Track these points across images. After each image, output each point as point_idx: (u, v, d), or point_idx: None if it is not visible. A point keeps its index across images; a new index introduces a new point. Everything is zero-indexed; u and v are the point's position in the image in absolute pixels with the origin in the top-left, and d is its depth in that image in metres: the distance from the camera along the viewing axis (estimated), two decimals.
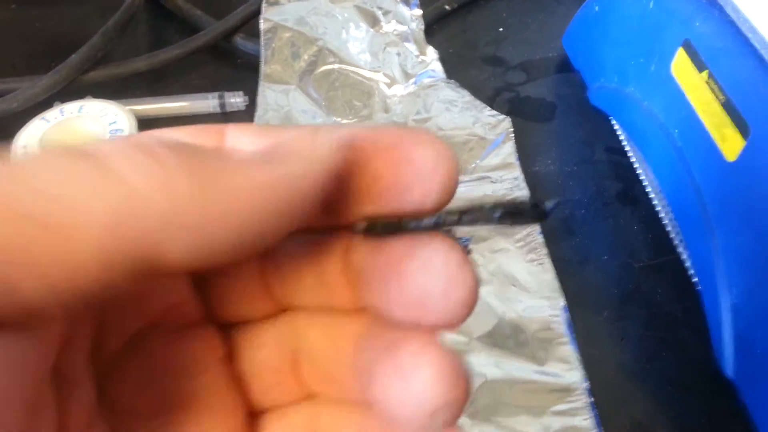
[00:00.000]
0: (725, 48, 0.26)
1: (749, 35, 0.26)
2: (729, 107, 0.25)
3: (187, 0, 0.47)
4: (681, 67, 0.29)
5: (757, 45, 0.25)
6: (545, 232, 0.33)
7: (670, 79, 0.29)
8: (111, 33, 0.40)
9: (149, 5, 0.48)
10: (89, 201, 0.09)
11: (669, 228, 0.31)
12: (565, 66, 0.42)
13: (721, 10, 0.27)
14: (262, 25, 0.41)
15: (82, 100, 0.38)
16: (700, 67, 0.27)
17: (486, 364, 0.28)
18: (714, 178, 0.27)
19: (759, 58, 0.25)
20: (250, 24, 0.43)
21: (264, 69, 0.40)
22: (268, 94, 0.39)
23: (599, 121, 0.38)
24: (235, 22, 0.43)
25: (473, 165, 0.36)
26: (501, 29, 0.46)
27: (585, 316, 0.30)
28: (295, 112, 0.39)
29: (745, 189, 0.25)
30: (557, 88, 0.41)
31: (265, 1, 0.42)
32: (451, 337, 0.29)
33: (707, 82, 0.27)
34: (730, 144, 0.25)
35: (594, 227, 0.34)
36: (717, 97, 0.26)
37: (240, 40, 0.43)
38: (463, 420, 0.26)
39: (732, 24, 0.26)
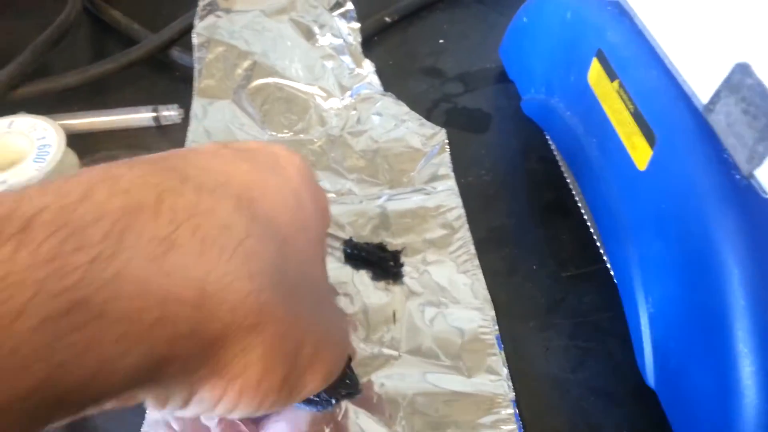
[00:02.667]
0: (634, 57, 0.27)
1: (655, 45, 0.26)
2: (638, 116, 0.26)
3: (125, 14, 0.46)
4: (596, 77, 0.29)
5: (662, 55, 0.25)
6: (477, 243, 0.33)
7: (587, 90, 0.30)
8: (41, 48, 0.40)
9: (89, 18, 0.48)
10: None
11: (595, 237, 0.32)
12: (502, 77, 0.42)
13: (630, 20, 0.28)
14: (195, 40, 0.41)
15: (13, 116, 0.38)
16: (612, 77, 0.28)
17: (415, 378, 0.28)
18: (628, 187, 0.27)
19: (664, 67, 0.25)
20: (188, 37, 0.43)
21: (198, 83, 0.39)
22: (202, 108, 0.39)
23: (533, 131, 0.38)
24: (170, 35, 0.42)
25: (409, 176, 0.36)
26: (441, 41, 0.46)
27: (513, 327, 0.30)
28: (230, 126, 0.38)
29: (655, 198, 0.25)
30: (494, 99, 0.42)
31: (198, 15, 0.41)
32: (381, 351, 0.29)
33: (618, 92, 0.27)
34: (640, 153, 0.26)
35: (525, 237, 0.34)
36: (627, 107, 0.26)
37: (176, 53, 0.43)
38: None
39: (640, 34, 0.27)
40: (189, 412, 0.17)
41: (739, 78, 0.20)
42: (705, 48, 0.22)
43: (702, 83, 0.22)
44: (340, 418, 0.26)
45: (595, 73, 0.29)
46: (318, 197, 0.21)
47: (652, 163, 0.25)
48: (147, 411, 0.26)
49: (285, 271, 0.16)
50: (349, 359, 0.27)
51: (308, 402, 0.25)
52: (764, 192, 0.20)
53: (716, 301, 0.22)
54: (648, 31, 0.26)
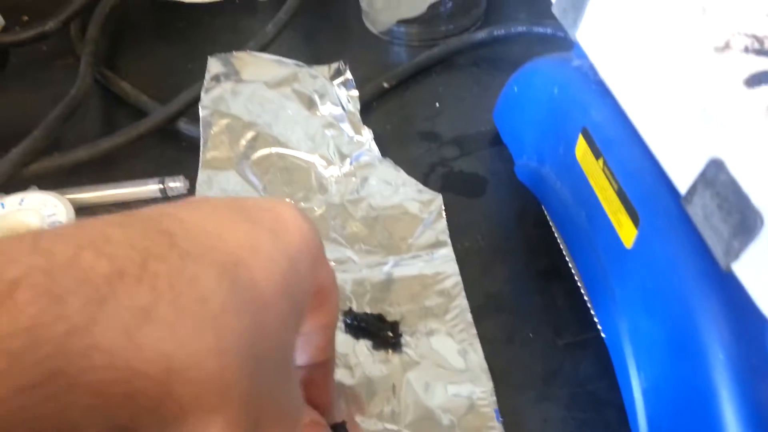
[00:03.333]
0: (617, 137, 0.28)
1: (637, 126, 0.27)
2: (622, 195, 0.27)
3: (133, 84, 0.48)
4: (582, 152, 0.30)
5: (643, 136, 0.26)
6: (474, 310, 0.33)
7: (575, 163, 0.31)
8: (53, 125, 0.41)
9: (100, 90, 0.50)
10: None
11: (590, 305, 0.32)
12: (497, 140, 0.43)
13: (614, 99, 0.29)
14: (201, 112, 0.42)
15: (23, 192, 0.39)
16: (597, 155, 0.29)
17: None
18: (617, 262, 0.28)
19: (647, 149, 0.26)
20: (195, 108, 0.44)
21: (203, 155, 0.41)
22: (207, 179, 0.40)
23: (528, 195, 0.39)
24: (177, 107, 0.44)
25: (407, 243, 0.37)
26: (437, 104, 0.48)
27: (511, 397, 0.30)
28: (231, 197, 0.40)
29: (642, 276, 0.26)
30: (489, 163, 0.43)
31: (204, 87, 0.43)
32: (381, 425, 0.29)
33: (603, 170, 0.28)
34: (626, 231, 0.27)
35: (521, 303, 0.34)
36: (612, 185, 0.27)
37: (183, 125, 0.45)
38: None
39: (623, 114, 0.28)
40: None
41: (714, 173, 0.21)
42: (681, 139, 0.23)
43: (680, 174, 0.23)
44: None
45: (581, 149, 0.30)
46: (320, 264, 0.21)
47: (638, 242, 0.26)
48: None
49: (256, 343, 0.16)
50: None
51: None
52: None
53: (704, 382, 0.23)
54: (628, 115, 0.27)
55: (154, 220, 0.17)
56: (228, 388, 0.16)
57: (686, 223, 0.24)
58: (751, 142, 0.20)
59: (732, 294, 0.23)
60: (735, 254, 0.20)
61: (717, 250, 0.21)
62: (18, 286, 0.13)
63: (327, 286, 0.22)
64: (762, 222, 0.19)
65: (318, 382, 0.24)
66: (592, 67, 0.31)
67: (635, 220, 0.26)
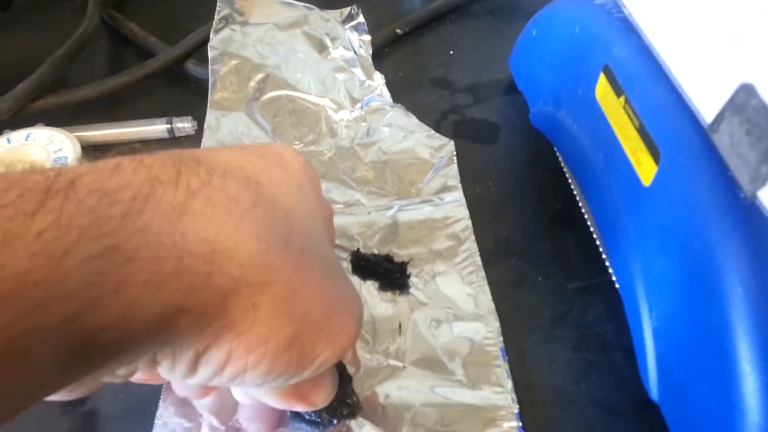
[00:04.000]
0: (640, 74, 0.27)
1: (662, 62, 0.26)
2: (643, 132, 0.26)
3: (142, 26, 0.47)
4: (603, 92, 0.29)
5: (668, 72, 0.26)
6: (483, 254, 0.33)
7: (594, 104, 0.30)
8: (59, 62, 0.41)
9: (107, 30, 0.49)
10: None
11: (601, 249, 0.32)
12: (511, 88, 0.42)
13: (637, 36, 0.28)
14: (210, 53, 0.41)
15: (30, 128, 0.39)
16: (618, 92, 0.28)
17: (420, 389, 0.28)
18: (633, 202, 0.27)
19: (670, 84, 0.25)
20: (203, 50, 0.44)
21: (212, 95, 0.40)
22: (215, 119, 0.39)
23: (542, 142, 0.38)
24: (185, 48, 0.43)
25: (417, 188, 0.37)
26: (451, 52, 0.46)
27: (518, 339, 0.30)
28: (242, 138, 0.39)
29: (659, 214, 0.25)
30: (503, 110, 0.42)
31: (213, 29, 0.42)
32: (386, 362, 0.29)
33: (624, 107, 0.27)
34: (645, 169, 0.26)
35: (531, 248, 0.34)
36: (633, 122, 0.27)
37: (192, 66, 0.44)
38: None
39: (647, 50, 0.27)
40: (197, 378, 0.18)
41: (744, 98, 0.20)
42: (710, 67, 0.22)
43: (706, 102, 0.22)
44: (342, 428, 0.27)
45: (602, 88, 0.29)
46: (319, 196, 0.22)
47: (657, 179, 0.25)
48: (156, 419, 0.27)
49: (290, 239, 0.18)
50: (350, 378, 0.27)
51: (309, 422, 0.26)
52: None
53: (720, 319, 0.22)
54: (654, 47, 0.26)
55: (178, 152, 0.18)
56: (272, 266, 0.17)
57: (708, 158, 0.23)
58: None
59: (753, 230, 0.22)
60: (762, 180, 0.19)
61: (743, 177, 0.20)
62: (75, 183, 0.15)
63: (329, 216, 0.23)
64: None
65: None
66: (615, 4, 0.30)
67: (656, 157, 0.25)
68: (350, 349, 0.20)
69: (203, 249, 0.16)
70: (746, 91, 0.20)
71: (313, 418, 0.26)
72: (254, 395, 0.22)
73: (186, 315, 0.16)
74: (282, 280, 0.17)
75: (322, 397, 0.23)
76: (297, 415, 0.26)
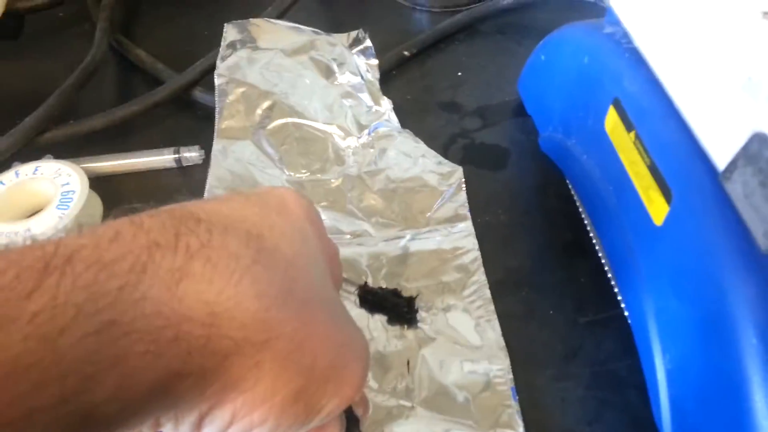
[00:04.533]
0: (651, 109, 0.26)
1: (673, 96, 0.25)
2: (654, 171, 0.25)
3: (149, 52, 0.47)
4: (613, 125, 0.29)
5: (679, 107, 0.25)
6: (493, 286, 0.33)
7: (605, 136, 0.29)
8: (68, 92, 0.41)
9: (115, 57, 0.49)
10: None
11: (613, 282, 0.31)
12: (520, 110, 0.42)
13: (648, 69, 0.27)
14: (217, 81, 0.41)
15: (39, 161, 0.39)
16: (629, 127, 0.27)
17: (431, 431, 0.28)
18: (645, 240, 0.26)
19: (683, 121, 0.25)
20: (211, 77, 0.44)
21: (219, 124, 0.40)
22: (222, 148, 0.39)
23: (552, 167, 0.38)
24: (193, 76, 0.43)
25: (426, 217, 0.36)
26: (459, 73, 0.46)
27: (529, 375, 0.29)
28: (249, 167, 0.39)
29: (672, 254, 0.25)
30: (512, 134, 0.41)
31: (220, 56, 0.42)
32: (395, 402, 0.29)
33: (634, 143, 0.27)
34: (657, 208, 0.25)
35: (542, 279, 0.33)
36: (643, 159, 0.26)
37: (199, 93, 0.44)
38: None
39: (658, 84, 0.26)
40: None
41: (757, 148, 0.19)
42: (721, 111, 0.22)
43: (718, 148, 0.21)
44: None
45: (611, 121, 0.29)
46: (323, 237, 0.22)
47: (669, 219, 0.25)
48: None
49: (293, 290, 0.18)
50: (357, 420, 0.27)
51: None
52: None
53: (734, 367, 0.22)
54: (664, 84, 0.25)
55: (178, 209, 0.18)
56: (274, 323, 0.17)
57: (722, 201, 0.23)
58: None
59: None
60: None
61: (757, 230, 0.19)
62: (73, 258, 0.15)
63: (334, 255, 0.23)
64: None
65: None
66: (625, 35, 0.30)
67: (667, 197, 0.25)
68: (358, 395, 0.20)
69: (202, 313, 0.16)
70: (760, 140, 0.19)
71: None
72: None
73: (185, 379, 0.16)
74: (285, 335, 0.17)
75: None
76: None
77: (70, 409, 0.14)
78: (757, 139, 0.19)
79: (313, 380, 0.18)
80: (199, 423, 0.17)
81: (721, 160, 0.21)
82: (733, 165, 0.20)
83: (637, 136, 0.27)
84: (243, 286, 0.16)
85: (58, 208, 0.35)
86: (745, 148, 0.20)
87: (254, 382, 0.17)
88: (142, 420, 0.16)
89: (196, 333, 0.16)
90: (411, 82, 0.45)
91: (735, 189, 0.20)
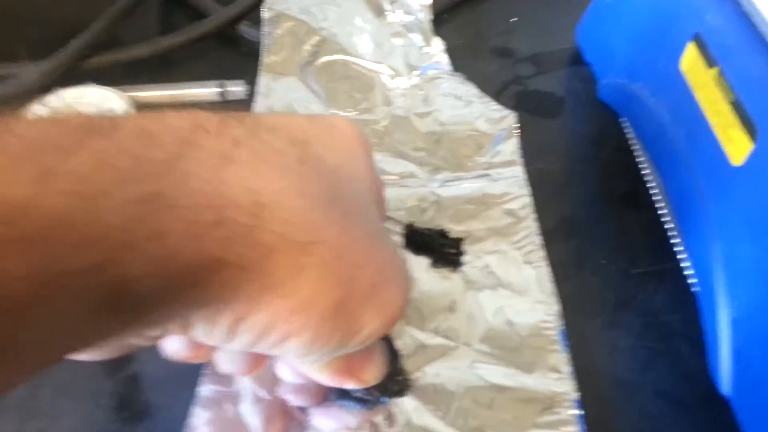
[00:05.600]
0: (737, 44, 0.24)
1: (764, 31, 0.24)
2: (738, 107, 0.24)
3: None
4: (691, 63, 0.27)
5: None
6: (544, 233, 0.31)
7: (678, 76, 0.28)
8: (114, 18, 0.40)
9: None
10: None
11: (672, 234, 0.30)
12: (577, 59, 0.40)
13: (735, 2, 0.25)
14: (265, 14, 0.40)
15: (83, 86, 0.38)
16: (711, 64, 0.25)
17: (472, 371, 0.27)
18: (719, 183, 0.25)
19: None
20: (257, 12, 0.42)
21: (265, 59, 0.39)
22: (267, 84, 0.38)
23: (609, 118, 0.36)
24: (239, 9, 0.42)
25: (474, 161, 0.35)
26: (514, 19, 0.44)
27: (578, 323, 0.28)
28: (294, 104, 0.38)
29: (751, 197, 0.23)
30: (567, 82, 0.39)
31: None
32: (437, 341, 0.28)
33: (717, 80, 0.25)
34: (738, 147, 0.24)
35: (594, 229, 0.32)
36: (726, 97, 0.24)
37: (245, 28, 0.43)
38: (446, 429, 0.25)
39: (746, 18, 0.25)
40: (237, 344, 0.17)
41: None
42: None
43: None
44: (392, 407, 0.26)
45: (689, 58, 0.27)
46: (371, 166, 0.21)
47: (752, 158, 0.23)
48: (198, 386, 0.27)
49: (336, 198, 0.17)
50: (398, 354, 0.26)
51: (356, 400, 0.25)
52: None
53: None
54: (757, 13, 0.23)
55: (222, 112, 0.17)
56: (318, 225, 0.16)
57: None
58: None
59: None
60: None
61: None
62: (118, 125, 0.14)
63: (380, 188, 0.22)
64: None
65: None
66: None
67: (752, 134, 0.23)
68: (399, 320, 0.19)
69: (247, 200, 0.15)
70: None
71: (362, 396, 0.25)
72: (302, 371, 0.21)
73: (225, 269, 0.15)
74: (328, 241, 0.16)
75: (375, 374, 0.22)
76: (343, 393, 0.25)
77: (102, 280, 0.13)
78: None
79: (353, 294, 0.17)
80: (235, 326, 0.16)
81: None
82: None
83: (720, 73, 0.25)
84: (289, 181, 0.16)
85: None
86: None
87: (295, 287, 0.16)
88: (172, 312, 0.15)
89: (240, 220, 0.15)
90: (463, 25, 0.44)
91: None
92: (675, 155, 0.28)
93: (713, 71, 0.25)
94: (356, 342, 0.18)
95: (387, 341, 0.25)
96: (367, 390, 0.25)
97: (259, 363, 0.21)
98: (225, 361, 0.21)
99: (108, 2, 0.41)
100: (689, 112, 0.27)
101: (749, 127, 0.23)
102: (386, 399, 0.26)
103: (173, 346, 0.20)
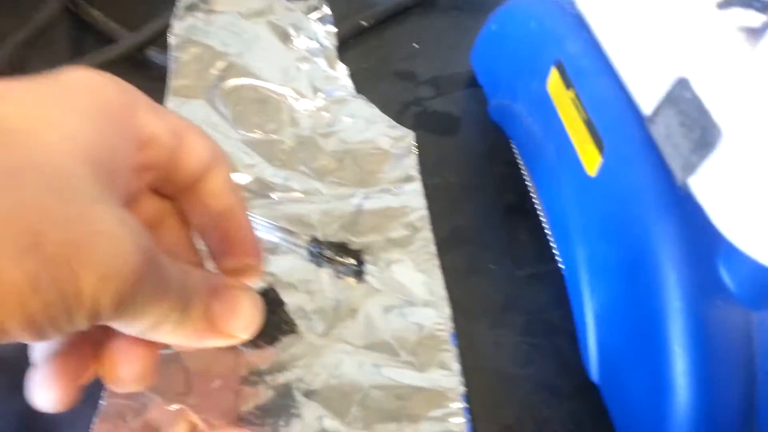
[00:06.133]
0: (588, 68, 0.28)
1: (608, 55, 0.27)
2: (589, 124, 0.27)
3: (104, 13, 0.47)
4: (554, 85, 0.30)
5: (614, 65, 0.26)
6: (438, 243, 0.34)
7: (546, 97, 0.31)
8: (19, 45, 0.40)
9: (68, 16, 0.48)
10: None
11: (550, 238, 0.33)
12: (473, 82, 0.43)
13: (588, 32, 0.29)
14: (172, 40, 0.41)
15: None
16: (568, 85, 0.29)
17: (371, 371, 0.29)
18: (580, 192, 0.28)
19: (616, 78, 0.26)
20: (164, 37, 0.43)
21: (172, 82, 0.40)
22: (175, 106, 0.39)
23: (500, 135, 0.39)
24: (147, 35, 0.43)
25: (377, 177, 0.37)
26: (416, 45, 0.47)
27: (468, 324, 0.31)
28: (202, 125, 0.39)
29: (602, 203, 0.26)
30: (464, 104, 0.42)
31: (176, 15, 0.42)
32: (339, 346, 0.30)
33: (573, 100, 0.28)
34: (591, 160, 0.27)
35: (485, 237, 0.35)
36: (580, 115, 0.28)
37: (153, 53, 0.44)
38: (340, 427, 0.27)
39: (596, 46, 0.28)
40: None
41: (679, 92, 0.21)
42: (650, 62, 0.23)
43: (647, 96, 0.23)
44: (291, 409, 0.27)
45: (553, 81, 0.30)
46: (141, 114, 0.20)
47: (601, 169, 0.26)
48: (100, 400, 0.27)
49: (41, 217, 0.15)
50: (282, 302, 0.27)
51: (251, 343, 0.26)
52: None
53: (654, 301, 0.23)
54: (601, 42, 0.27)
55: None
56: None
57: (647, 149, 0.24)
58: (716, 61, 0.20)
59: (688, 219, 0.23)
60: (692, 168, 0.20)
61: (675, 165, 0.21)
62: None
63: (166, 133, 0.21)
64: (720, 135, 0.19)
65: (232, 230, 0.23)
66: (570, 1, 0.31)
67: (600, 148, 0.26)
68: (135, 271, 0.16)
69: None
70: (681, 84, 0.21)
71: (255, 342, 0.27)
72: (161, 340, 0.19)
73: None
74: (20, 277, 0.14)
75: (242, 325, 0.20)
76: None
77: None
78: (679, 84, 0.21)
79: (46, 258, 0.15)
80: None
81: (648, 106, 0.23)
82: (658, 109, 0.22)
83: (575, 94, 0.28)
84: None
85: None
86: (669, 93, 0.21)
87: None
88: None
89: None
90: (368, 51, 0.46)
91: (659, 131, 0.22)
92: (547, 168, 0.31)
93: (570, 92, 0.28)
94: (88, 307, 0.15)
95: (270, 293, 0.27)
96: (254, 342, 0.25)
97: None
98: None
99: (11, 29, 0.41)
100: (556, 128, 0.30)
101: (598, 142, 0.26)
102: (273, 346, 0.27)
103: None
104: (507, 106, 0.36)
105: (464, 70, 0.45)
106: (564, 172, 0.29)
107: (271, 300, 0.25)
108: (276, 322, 0.26)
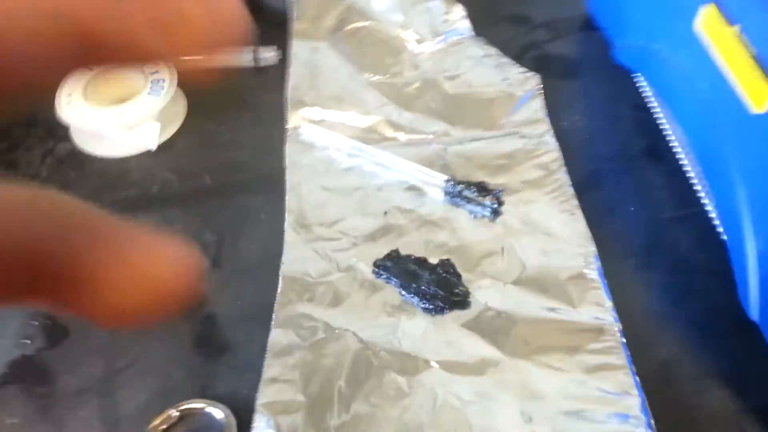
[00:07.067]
0: (753, 3, 0.27)
1: None
2: (759, 60, 0.26)
3: None
4: (709, 23, 0.29)
5: None
6: (574, 185, 0.34)
7: (696, 35, 0.30)
8: None
9: None
10: None
11: (694, 181, 0.33)
12: (587, 25, 0.42)
13: None
14: None
15: None
16: (731, 21, 0.28)
17: (522, 305, 0.29)
18: (740, 129, 0.28)
19: None
20: None
21: (294, 26, 0.40)
22: (299, 49, 0.40)
23: (623, 79, 0.39)
24: None
25: (503, 120, 0.37)
26: None
27: (613, 264, 0.31)
28: (326, 68, 0.39)
29: None
30: (581, 47, 0.42)
31: None
32: (486, 281, 0.30)
33: (737, 36, 0.28)
34: (759, 96, 0.27)
35: (620, 181, 0.35)
36: (747, 51, 0.27)
37: None
38: (501, 357, 0.28)
39: None
40: None
41: None
42: None
43: None
44: (446, 336, 0.28)
45: (708, 19, 0.29)
46: None
47: None
48: (272, 322, 0.28)
49: None
50: (459, 275, 0.31)
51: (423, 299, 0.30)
52: None
53: None
54: None
55: None
56: None
57: None
58: None
59: None
60: None
61: None
62: None
63: None
64: None
65: None
66: None
67: None
68: None
69: None
70: None
71: (427, 306, 0.29)
72: None
73: None
74: None
75: None
76: (407, 289, 0.30)
77: None
78: None
79: None
80: None
81: None
82: None
83: (741, 30, 0.27)
84: None
85: (150, 95, 0.35)
86: None
87: None
88: None
89: None
90: None
91: None
92: (696, 108, 0.31)
93: (733, 29, 0.28)
94: None
95: (443, 263, 0.31)
96: (432, 299, 0.30)
97: None
98: None
99: None
100: (709, 66, 0.29)
101: None
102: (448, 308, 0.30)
103: None
104: (640, 48, 0.36)
105: (578, 14, 0.44)
106: (721, 111, 0.29)
107: (447, 272, 0.28)
108: (452, 288, 0.30)
